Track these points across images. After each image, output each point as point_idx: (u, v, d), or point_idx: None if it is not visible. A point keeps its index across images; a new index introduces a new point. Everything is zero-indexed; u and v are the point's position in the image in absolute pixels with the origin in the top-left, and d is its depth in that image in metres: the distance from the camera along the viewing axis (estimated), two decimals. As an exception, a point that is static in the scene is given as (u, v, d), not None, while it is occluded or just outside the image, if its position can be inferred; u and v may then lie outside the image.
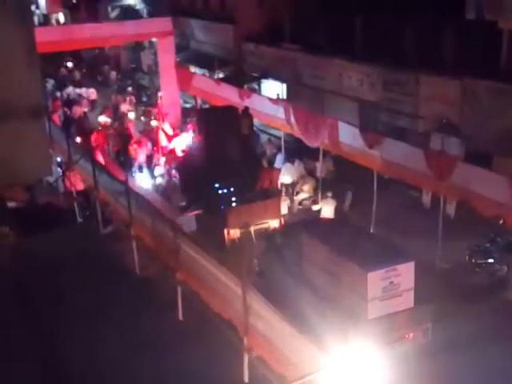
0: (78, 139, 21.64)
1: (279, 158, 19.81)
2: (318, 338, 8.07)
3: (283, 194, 17.50)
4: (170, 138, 21.08)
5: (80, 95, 29.41)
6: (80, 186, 17.26)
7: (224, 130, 16.39)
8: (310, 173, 18.97)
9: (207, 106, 24.61)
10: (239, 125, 17.02)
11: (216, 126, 16.46)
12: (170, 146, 20.78)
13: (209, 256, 10.34)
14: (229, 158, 16.12)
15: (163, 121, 21.63)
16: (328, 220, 15.24)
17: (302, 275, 11.70)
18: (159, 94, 24.24)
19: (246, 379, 9.08)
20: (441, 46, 16.57)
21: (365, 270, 10.22)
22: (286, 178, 18.47)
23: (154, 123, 22.66)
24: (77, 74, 34.89)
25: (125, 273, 12.70)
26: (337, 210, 16.20)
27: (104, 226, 15.18)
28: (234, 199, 15.80)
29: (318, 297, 11.03)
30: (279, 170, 18.34)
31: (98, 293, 11.39)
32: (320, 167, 18.54)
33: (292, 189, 18.17)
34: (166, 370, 9.71)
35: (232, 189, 15.95)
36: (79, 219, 16.47)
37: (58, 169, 18.79)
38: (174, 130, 21.85)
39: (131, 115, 24.70)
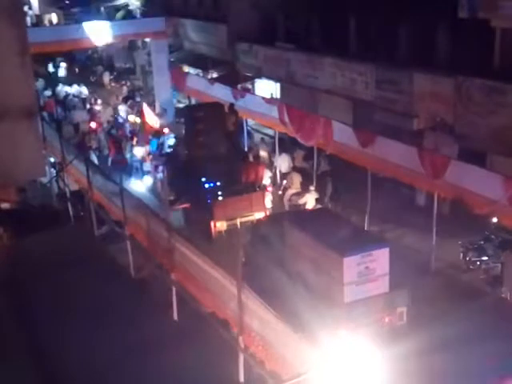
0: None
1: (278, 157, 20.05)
2: (312, 333, 8.12)
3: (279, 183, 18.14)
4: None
5: (69, 94, 29.47)
6: (74, 187, 17.22)
7: (210, 125, 16.83)
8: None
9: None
10: (225, 121, 17.45)
11: (202, 122, 16.92)
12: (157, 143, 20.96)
13: (204, 256, 10.33)
14: (215, 153, 16.55)
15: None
16: (309, 210, 15.68)
17: (284, 263, 12.16)
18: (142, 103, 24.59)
19: (242, 379, 9.06)
20: (434, 44, 16.61)
21: (341, 255, 10.73)
22: (282, 167, 19.22)
23: (130, 118, 22.94)
24: (62, 71, 34.83)
25: (119, 273, 12.66)
26: (318, 202, 16.75)
27: (98, 226, 15.14)
28: (220, 193, 16.13)
29: (299, 283, 11.47)
30: (264, 165, 18.75)
31: (92, 294, 11.34)
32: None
33: (281, 182, 18.63)
34: (160, 370, 9.69)
35: (218, 183, 16.33)
36: (73, 220, 16.42)
37: (52, 169, 18.75)
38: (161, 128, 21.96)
39: (131, 118, 24.73)
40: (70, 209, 16.57)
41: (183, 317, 11.23)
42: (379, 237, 12.38)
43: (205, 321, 9.94)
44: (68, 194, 16.99)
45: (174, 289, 11.35)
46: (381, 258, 10.99)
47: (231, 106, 18.65)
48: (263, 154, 20.91)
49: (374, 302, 11.06)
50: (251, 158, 19.10)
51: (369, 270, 10.90)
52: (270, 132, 21.97)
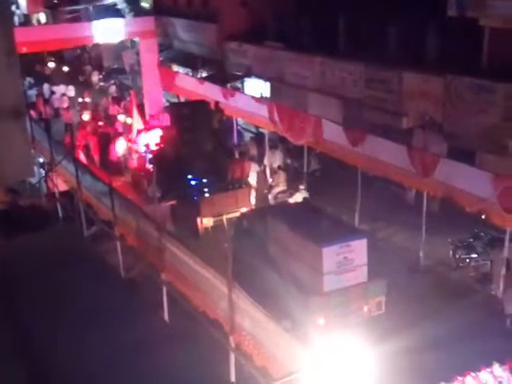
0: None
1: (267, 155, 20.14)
2: (302, 333, 8.13)
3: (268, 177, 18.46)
4: (139, 132, 21.16)
5: (54, 92, 29.39)
6: (63, 187, 17.15)
7: (196, 123, 17.08)
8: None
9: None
10: (210, 118, 17.62)
11: (188, 120, 17.18)
12: (144, 141, 20.88)
13: (194, 255, 10.32)
14: (201, 151, 16.80)
15: (139, 114, 21.69)
16: (290, 204, 15.91)
17: (267, 255, 12.45)
18: (131, 91, 24.48)
19: (233, 378, 9.06)
20: (423, 43, 16.65)
21: (320, 246, 11.08)
22: (274, 163, 19.44)
23: (128, 120, 22.72)
24: (47, 70, 34.77)
25: (109, 274, 12.61)
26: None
27: (88, 226, 15.08)
28: (206, 190, 16.31)
29: (281, 274, 11.72)
30: (250, 162, 18.89)
31: (82, 294, 11.29)
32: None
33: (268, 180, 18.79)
34: (151, 370, 9.65)
35: (204, 180, 16.52)
36: (62, 220, 16.34)
37: (41, 170, 18.66)
38: (146, 125, 21.89)
39: (121, 117, 24.61)
40: (59, 209, 16.50)
41: (174, 317, 11.21)
42: (357, 228, 12.80)
43: (196, 320, 9.92)
44: (57, 195, 16.91)
45: (164, 289, 11.32)
46: (359, 249, 11.35)
47: (216, 103, 18.80)
48: (253, 151, 20.97)
49: (353, 291, 11.40)
50: (237, 155, 19.22)
51: (347, 260, 11.25)
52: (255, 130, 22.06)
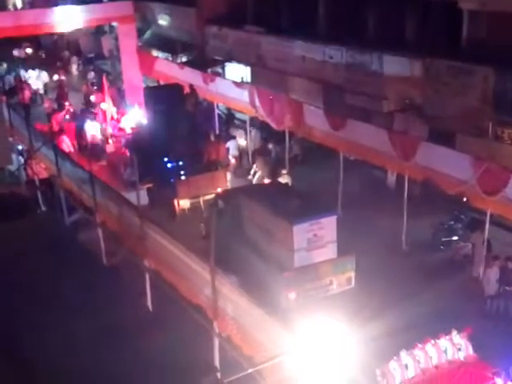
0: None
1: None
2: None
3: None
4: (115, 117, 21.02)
5: (27, 79, 29.07)
6: (43, 174, 16.98)
7: (170, 106, 17.24)
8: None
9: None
10: (185, 101, 17.91)
11: (162, 103, 17.33)
12: (119, 125, 20.76)
13: (176, 242, 10.29)
14: (176, 133, 16.92)
15: (112, 101, 21.52)
16: (263, 184, 16.23)
17: (242, 234, 12.77)
18: (103, 76, 24.24)
19: (217, 363, 9.08)
20: (403, 26, 16.66)
21: (290, 223, 11.45)
22: (255, 143, 20.02)
23: (103, 105, 22.47)
24: (22, 53, 34.42)
25: (91, 261, 12.56)
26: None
27: (69, 214, 14.98)
28: (182, 172, 16.49)
29: (254, 251, 12.15)
30: (225, 144, 19.10)
31: (63, 282, 11.25)
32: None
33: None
34: (135, 356, 9.66)
35: (180, 162, 16.71)
36: (43, 208, 16.20)
37: (20, 157, 18.44)
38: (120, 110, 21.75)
39: (104, 105, 24.33)
40: (39, 197, 16.34)
41: (157, 303, 11.20)
42: (328, 206, 13.16)
43: (179, 306, 9.92)
44: (37, 182, 16.73)
45: (147, 276, 11.29)
46: (328, 226, 11.70)
47: (191, 86, 18.83)
48: (234, 134, 21.05)
49: (323, 267, 11.73)
50: (212, 138, 19.27)
51: (317, 237, 11.61)
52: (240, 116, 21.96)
